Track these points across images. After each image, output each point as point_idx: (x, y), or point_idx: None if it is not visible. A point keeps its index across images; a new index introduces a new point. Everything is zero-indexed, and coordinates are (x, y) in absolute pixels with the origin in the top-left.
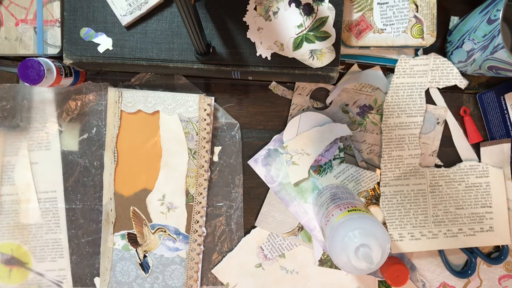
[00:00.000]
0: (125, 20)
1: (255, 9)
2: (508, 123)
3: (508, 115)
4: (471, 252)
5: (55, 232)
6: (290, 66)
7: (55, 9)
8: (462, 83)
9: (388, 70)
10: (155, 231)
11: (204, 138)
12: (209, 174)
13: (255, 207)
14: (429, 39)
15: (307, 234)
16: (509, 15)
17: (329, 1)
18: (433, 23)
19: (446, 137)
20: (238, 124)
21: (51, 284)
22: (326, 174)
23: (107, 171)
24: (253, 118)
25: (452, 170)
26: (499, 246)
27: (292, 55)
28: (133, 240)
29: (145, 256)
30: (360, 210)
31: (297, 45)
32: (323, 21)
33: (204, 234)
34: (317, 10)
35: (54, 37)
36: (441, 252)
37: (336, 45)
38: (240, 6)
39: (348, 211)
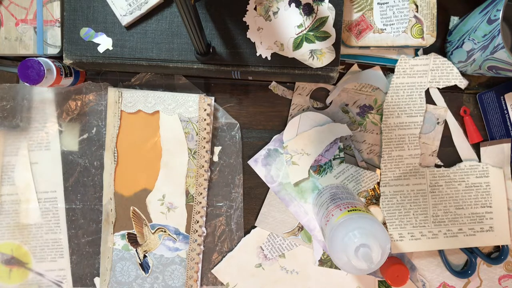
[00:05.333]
0: (125, 20)
1: (255, 9)
2: (508, 123)
3: (508, 115)
4: (471, 252)
5: (55, 232)
6: (290, 66)
7: (55, 9)
8: (462, 83)
9: (388, 70)
10: (155, 231)
11: (204, 138)
12: (209, 174)
13: (255, 207)
14: (429, 39)
15: (307, 234)
16: (509, 15)
17: (329, 1)
18: (433, 23)
19: (446, 137)
20: (238, 124)
21: (51, 284)
22: (326, 174)
23: (107, 171)
24: (253, 118)
25: (452, 170)
26: (499, 246)
27: (292, 55)
28: (133, 240)
29: (145, 256)
30: (360, 210)
31: (297, 45)
32: (323, 21)
33: (204, 234)
34: (317, 10)
35: (54, 37)
36: (441, 252)
37: (336, 45)
38: (240, 6)
39: (348, 211)
